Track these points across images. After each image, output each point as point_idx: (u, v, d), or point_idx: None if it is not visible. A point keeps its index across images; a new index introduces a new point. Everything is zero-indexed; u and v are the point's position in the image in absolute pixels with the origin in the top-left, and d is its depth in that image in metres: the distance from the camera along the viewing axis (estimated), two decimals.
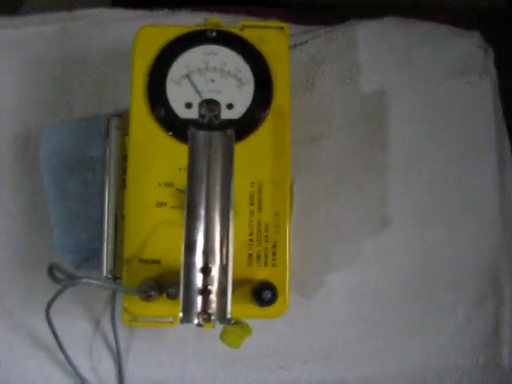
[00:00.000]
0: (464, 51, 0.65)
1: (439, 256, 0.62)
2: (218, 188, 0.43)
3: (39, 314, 0.54)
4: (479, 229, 0.62)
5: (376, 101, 0.64)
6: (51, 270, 0.40)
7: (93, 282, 0.42)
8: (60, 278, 0.41)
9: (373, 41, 0.65)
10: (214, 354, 0.59)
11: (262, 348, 0.60)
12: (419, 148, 0.63)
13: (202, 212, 0.43)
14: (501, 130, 0.65)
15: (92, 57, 0.63)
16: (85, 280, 0.40)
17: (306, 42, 0.64)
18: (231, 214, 0.42)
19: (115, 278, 0.53)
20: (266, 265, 0.50)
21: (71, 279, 0.40)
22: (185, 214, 0.42)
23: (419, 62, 0.65)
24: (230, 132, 0.44)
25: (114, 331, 0.58)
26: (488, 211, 0.63)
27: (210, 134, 0.44)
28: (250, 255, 0.49)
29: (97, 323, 0.60)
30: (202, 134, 0.44)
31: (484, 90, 0.65)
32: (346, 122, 0.63)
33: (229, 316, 0.41)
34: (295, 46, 0.63)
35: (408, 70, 0.65)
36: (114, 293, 0.57)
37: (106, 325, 0.59)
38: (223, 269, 0.42)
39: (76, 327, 0.59)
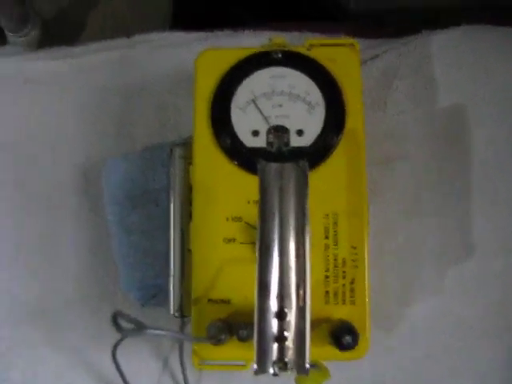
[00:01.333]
0: None
1: None
2: (292, 224, 0.39)
3: (105, 352, 0.52)
4: None
5: (454, 118, 0.59)
6: (115, 319, 0.37)
7: (158, 332, 0.39)
8: (124, 326, 0.38)
9: (448, 52, 0.60)
10: None
11: None
12: (503, 168, 0.58)
13: (276, 251, 0.39)
14: None
15: (153, 83, 0.61)
16: (150, 331, 0.38)
17: (377, 56, 0.60)
18: (307, 251, 0.39)
19: (182, 316, 0.51)
20: (344, 302, 0.46)
21: (136, 329, 0.37)
22: (257, 253, 0.39)
23: (500, 71, 0.60)
24: (304, 163, 0.40)
25: (183, 371, 0.55)
26: None
27: (282, 166, 0.41)
28: (327, 292, 0.46)
29: (165, 362, 0.57)
30: (272, 167, 0.41)
31: None
32: (423, 142, 0.59)
33: (308, 366, 0.38)
34: (365, 61, 0.60)
35: (488, 81, 0.59)
36: (181, 331, 0.54)
37: (174, 364, 0.56)
38: (300, 312, 0.39)
39: (143, 366, 0.57)
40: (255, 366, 0.37)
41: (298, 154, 0.46)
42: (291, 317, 0.39)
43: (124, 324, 0.39)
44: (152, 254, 0.55)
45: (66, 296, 0.59)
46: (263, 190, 0.40)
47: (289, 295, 0.39)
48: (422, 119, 0.59)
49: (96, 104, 0.61)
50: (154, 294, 0.55)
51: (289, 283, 0.39)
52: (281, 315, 0.39)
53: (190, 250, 0.50)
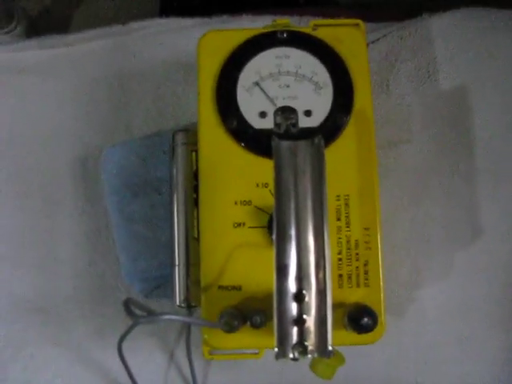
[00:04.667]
0: None
1: None
2: (309, 203, 0.38)
3: (109, 346, 0.50)
4: None
5: (457, 99, 0.58)
6: (127, 305, 0.36)
7: (174, 317, 0.37)
8: (137, 313, 0.36)
9: (449, 34, 0.60)
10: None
11: (350, 374, 0.54)
12: (508, 149, 0.57)
13: (293, 231, 0.38)
14: None
15: (149, 71, 0.60)
16: (166, 317, 0.36)
17: (378, 40, 0.59)
18: (326, 231, 0.37)
19: (189, 306, 0.49)
20: (358, 285, 0.45)
21: (150, 315, 0.36)
22: (274, 234, 0.37)
23: (503, 54, 0.59)
24: (319, 140, 0.39)
25: (190, 363, 0.53)
26: None
27: (296, 144, 0.39)
28: (341, 276, 0.45)
29: (171, 355, 0.55)
30: (286, 145, 0.39)
31: None
32: (427, 124, 0.58)
33: (330, 348, 0.36)
34: (366, 44, 0.58)
35: (490, 63, 0.59)
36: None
37: (181, 356, 0.55)
38: (320, 294, 0.37)
39: (149, 360, 0.55)
40: (276, 350, 0.36)
41: (306, 134, 0.44)
42: (311, 299, 0.37)
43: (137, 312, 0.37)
44: (155, 243, 0.54)
45: (66, 292, 0.57)
46: (278, 169, 0.38)
47: (307, 277, 0.37)
48: (425, 102, 0.58)
49: (92, 92, 0.60)
50: (158, 285, 0.53)
51: (307, 264, 0.37)
52: (299, 297, 0.37)
53: (195, 238, 0.49)
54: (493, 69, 0.59)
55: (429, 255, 0.56)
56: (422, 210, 0.56)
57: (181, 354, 0.55)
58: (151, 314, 0.37)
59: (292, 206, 0.38)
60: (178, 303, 0.49)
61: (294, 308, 0.37)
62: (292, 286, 0.37)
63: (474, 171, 0.57)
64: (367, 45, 0.57)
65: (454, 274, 0.55)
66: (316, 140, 0.39)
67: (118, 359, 0.50)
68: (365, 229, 0.45)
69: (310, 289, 0.37)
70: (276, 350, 0.36)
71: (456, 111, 0.58)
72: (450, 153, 0.57)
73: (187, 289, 0.49)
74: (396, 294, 0.55)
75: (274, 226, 0.37)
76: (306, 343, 0.37)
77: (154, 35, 0.61)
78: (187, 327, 0.53)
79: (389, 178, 0.56)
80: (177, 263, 0.50)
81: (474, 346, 0.55)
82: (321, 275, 0.37)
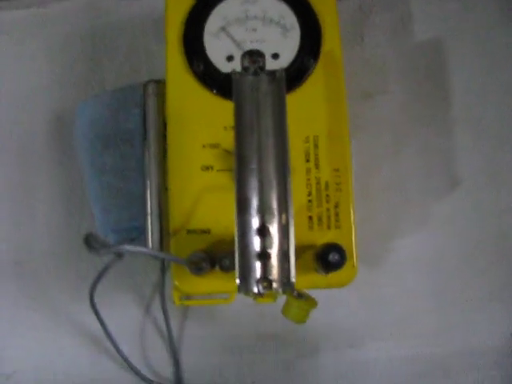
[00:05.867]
0: None
1: None
2: (270, 138, 0.38)
3: (84, 301, 0.50)
4: None
5: (433, 51, 0.58)
6: (88, 241, 0.35)
7: (137, 249, 0.37)
8: (99, 248, 0.36)
9: None
10: (275, 335, 0.55)
11: (326, 325, 0.54)
12: (485, 97, 0.57)
13: (254, 165, 0.37)
14: None
15: (123, 27, 0.60)
16: (127, 247, 0.36)
17: None
18: (288, 163, 0.37)
19: None
20: (328, 227, 0.44)
21: (110, 246, 0.35)
22: (235, 168, 0.37)
23: (478, 6, 0.58)
24: (280, 73, 0.39)
25: (165, 316, 0.53)
26: None
27: (258, 78, 0.39)
28: (311, 218, 0.44)
29: (146, 309, 0.55)
30: (248, 79, 0.39)
31: None
32: (402, 75, 0.57)
33: (293, 280, 0.36)
34: None
35: (466, 15, 0.58)
36: (162, 275, 0.53)
37: (157, 310, 0.54)
38: (283, 229, 0.37)
39: (124, 315, 0.55)
40: (238, 282, 0.36)
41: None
42: (274, 233, 0.37)
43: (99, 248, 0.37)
44: (127, 195, 0.53)
45: (42, 245, 0.56)
46: (238, 103, 0.38)
47: (270, 210, 0.37)
48: (400, 53, 0.58)
49: (65, 51, 0.59)
50: (133, 238, 0.53)
51: (269, 198, 0.37)
52: (263, 231, 0.37)
53: (166, 189, 0.48)
54: (468, 21, 0.58)
55: (406, 205, 0.55)
56: (399, 161, 0.56)
57: (156, 308, 0.54)
58: (111, 245, 0.37)
59: (253, 139, 0.38)
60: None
61: (257, 242, 0.37)
62: (255, 220, 0.37)
63: (450, 122, 0.56)
64: None
65: (430, 225, 0.55)
66: (277, 74, 0.38)
67: (93, 314, 0.50)
68: (335, 170, 0.45)
69: (272, 222, 0.37)
70: (238, 282, 0.36)
71: (432, 63, 0.58)
72: (426, 104, 0.57)
73: (160, 238, 0.49)
74: (372, 244, 0.54)
75: (235, 160, 0.37)
76: (270, 277, 0.37)
77: None
78: (161, 278, 0.52)
79: (365, 128, 0.56)
80: (149, 213, 0.49)
81: (448, 297, 0.55)
82: (283, 209, 0.37)
